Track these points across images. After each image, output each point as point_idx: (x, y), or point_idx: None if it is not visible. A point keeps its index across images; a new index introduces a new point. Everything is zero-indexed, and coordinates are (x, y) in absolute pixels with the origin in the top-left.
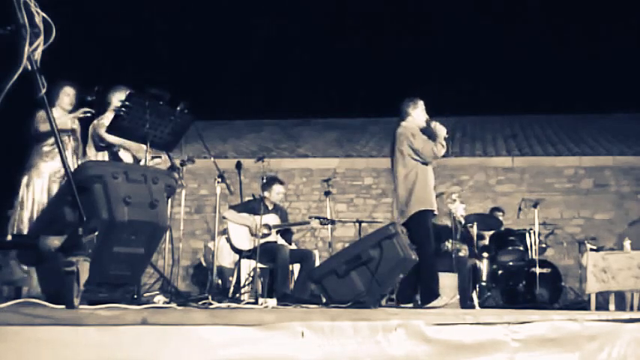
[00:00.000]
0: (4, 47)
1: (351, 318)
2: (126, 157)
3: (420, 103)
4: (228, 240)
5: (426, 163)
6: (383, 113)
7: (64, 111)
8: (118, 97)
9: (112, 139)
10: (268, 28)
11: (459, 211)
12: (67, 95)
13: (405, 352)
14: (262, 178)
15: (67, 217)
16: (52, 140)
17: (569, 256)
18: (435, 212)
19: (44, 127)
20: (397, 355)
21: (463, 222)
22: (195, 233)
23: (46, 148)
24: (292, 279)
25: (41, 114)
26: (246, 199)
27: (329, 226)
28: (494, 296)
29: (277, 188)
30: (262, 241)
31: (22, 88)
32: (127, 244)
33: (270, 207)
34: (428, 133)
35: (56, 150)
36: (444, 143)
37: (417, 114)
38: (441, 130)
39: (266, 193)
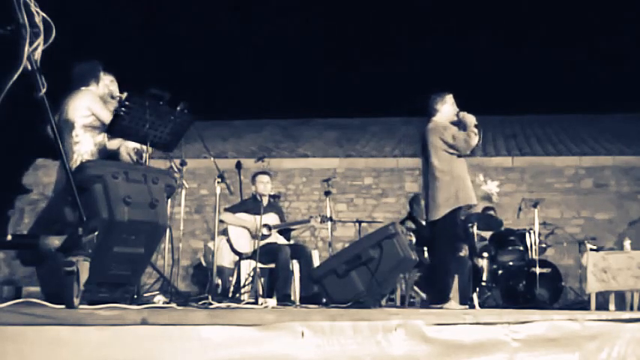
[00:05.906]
0: (4, 47)
1: (351, 318)
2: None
3: (448, 98)
4: (228, 242)
5: (460, 156)
6: (383, 113)
7: (103, 102)
8: (106, 80)
9: (111, 146)
10: (269, 27)
11: (493, 188)
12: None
13: (405, 352)
14: None
15: (67, 217)
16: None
17: (569, 256)
18: (474, 204)
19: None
20: (397, 355)
21: (497, 198)
22: (195, 233)
23: (100, 138)
24: (292, 279)
25: (92, 102)
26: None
27: (329, 224)
28: (495, 296)
29: (261, 178)
30: (262, 242)
31: (22, 88)
32: (127, 244)
33: (265, 202)
34: (458, 125)
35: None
36: (476, 131)
37: (446, 109)
38: (470, 119)
39: (254, 187)
